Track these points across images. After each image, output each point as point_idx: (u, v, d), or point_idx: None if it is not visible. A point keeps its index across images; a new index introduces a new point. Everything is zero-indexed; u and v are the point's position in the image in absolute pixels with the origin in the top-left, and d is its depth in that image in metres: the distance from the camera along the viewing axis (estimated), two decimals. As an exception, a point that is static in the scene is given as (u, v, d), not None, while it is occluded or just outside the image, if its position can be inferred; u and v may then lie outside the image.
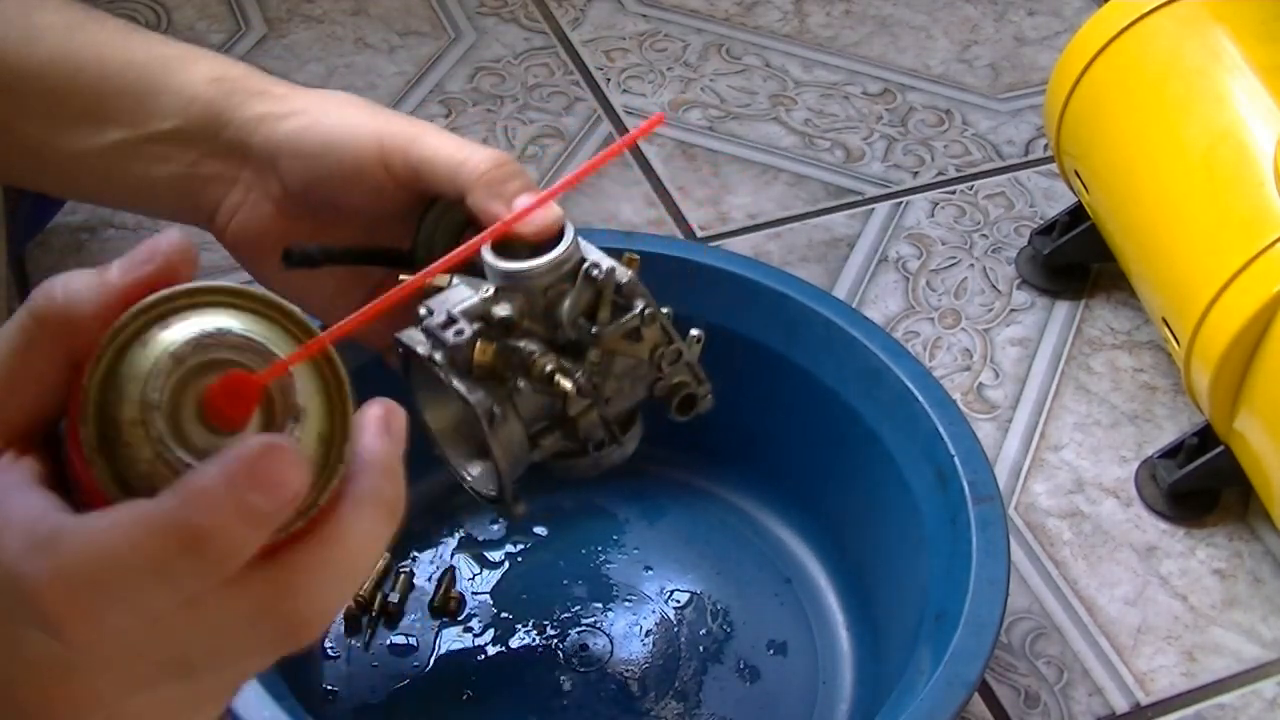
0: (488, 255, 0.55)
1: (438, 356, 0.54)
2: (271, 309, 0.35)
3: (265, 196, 0.61)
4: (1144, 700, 0.78)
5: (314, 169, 0.59)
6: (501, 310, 0.54)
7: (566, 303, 0.55)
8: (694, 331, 0.59)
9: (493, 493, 0.59)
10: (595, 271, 0.55)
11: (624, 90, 1.12)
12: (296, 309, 0.35)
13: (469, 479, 0.59)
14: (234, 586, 0.33)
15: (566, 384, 0.54)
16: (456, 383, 0.54)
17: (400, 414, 0.37)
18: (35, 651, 0.33)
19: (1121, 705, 0.78)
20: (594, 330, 0.55)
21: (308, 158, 0.59)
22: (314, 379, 0.34)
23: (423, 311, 0.55)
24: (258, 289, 0.35)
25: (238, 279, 0.40)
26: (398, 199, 0.59)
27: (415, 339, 0.55)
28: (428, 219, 0.60)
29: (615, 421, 0.58)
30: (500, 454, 0.55)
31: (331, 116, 0.60)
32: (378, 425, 0.36)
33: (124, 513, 0.32)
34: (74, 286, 0.34)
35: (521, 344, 0.54)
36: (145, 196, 0.63)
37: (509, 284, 0.55)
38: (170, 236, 0.35)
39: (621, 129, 1.09)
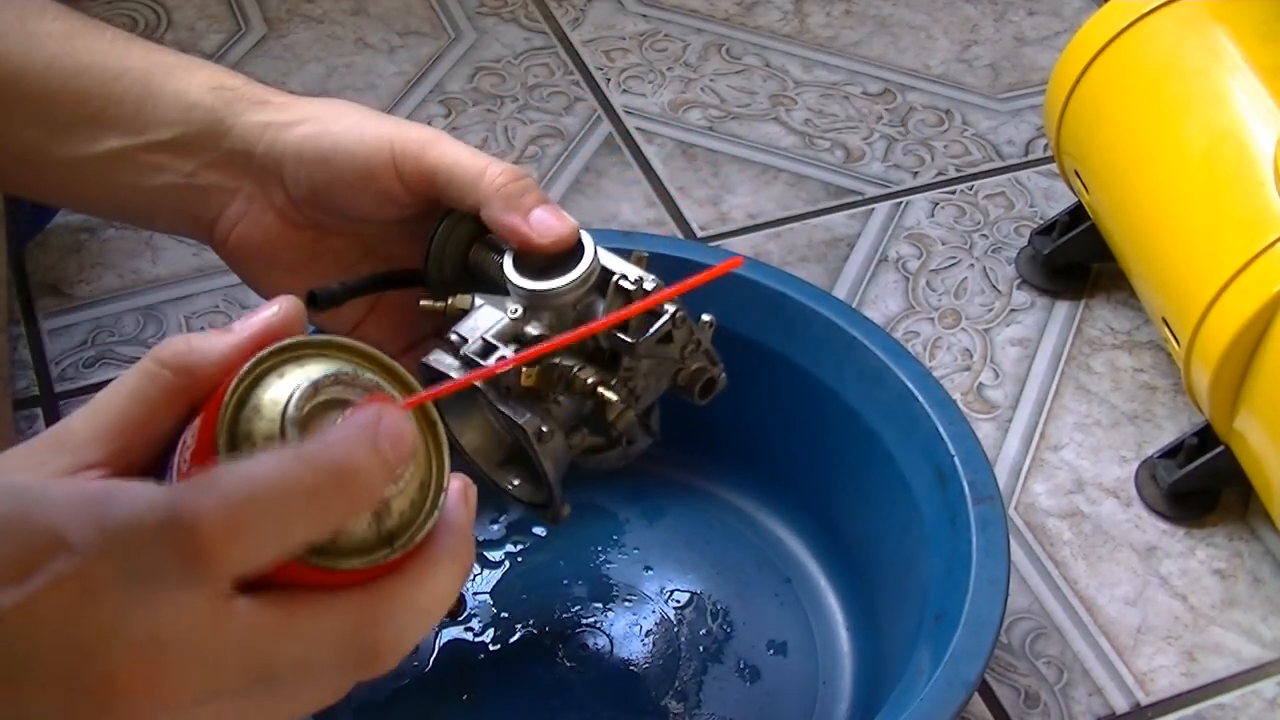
0: (513, 275, 0.56)
1: (480, 384, 0.55)
2: (377, 362, 0.39)
3: (267, 207, 0.61)
4: (1144, 700, 0.78)
5: (322, 173, 0.59)
6: (534, 329, 0.55)
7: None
8: (705, 317, 0.60)
9: (539, 499, 0.60)
10: (625, 284, 0.56)
11: (624, 90, 1.13)
12: (399, 366, 0.39)
13: (511, 489, 0.61)
14: (331, 604, 0.36)
15: (611, 396, 0.55)
16: (504, 409, 0.55)
17: (474, 489, 0.41)
18: (142, 627, 0.34)
19: (1121, 705, 0.78)
20: (629, 340, 0.56)
21: (316, 163, 0.59)
22: (419, 429, 0.38)
23: (454, 338, 0.55)
24: (365, 345, 0.38)
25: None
26: (405, 206, 0.59)
27: (447, 364, 0.55)
28: (439, 232, 0.60)
29: (643, 415, 0.60)
30: (550, 467, 0.56)
31: (341, 122, 0.59)
32: (459, 495, 0.39)
33: (275, 453, 0.35)
34: (198, 340, 0.38)
35: (557, 360, 0.55)
36: (143, 206, 0.62)
37: (538, 302, 0.55)
38: (283, 299, 0.40)
39: (621, 129, 1.09)
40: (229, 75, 0.62)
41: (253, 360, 0.37)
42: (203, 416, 0.37)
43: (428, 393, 0.38)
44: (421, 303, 0.59)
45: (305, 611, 0.36)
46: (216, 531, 0.33)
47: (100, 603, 0.33)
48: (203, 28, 1.15)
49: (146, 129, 0.60)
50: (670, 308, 0.57)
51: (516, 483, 0.61)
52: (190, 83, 0.61)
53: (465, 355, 0.55)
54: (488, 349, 0.55)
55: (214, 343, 0.38)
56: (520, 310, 0.55)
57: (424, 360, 0.56)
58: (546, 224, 0.56)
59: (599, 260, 0.56)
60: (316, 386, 0.37)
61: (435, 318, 0.59)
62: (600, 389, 0.55)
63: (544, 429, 0.55)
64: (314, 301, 0.58)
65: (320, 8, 1.18)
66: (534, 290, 0.55)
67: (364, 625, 0.37)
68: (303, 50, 1.14)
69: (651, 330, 0.56)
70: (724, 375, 0.61)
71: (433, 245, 0.60)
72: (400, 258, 0.62)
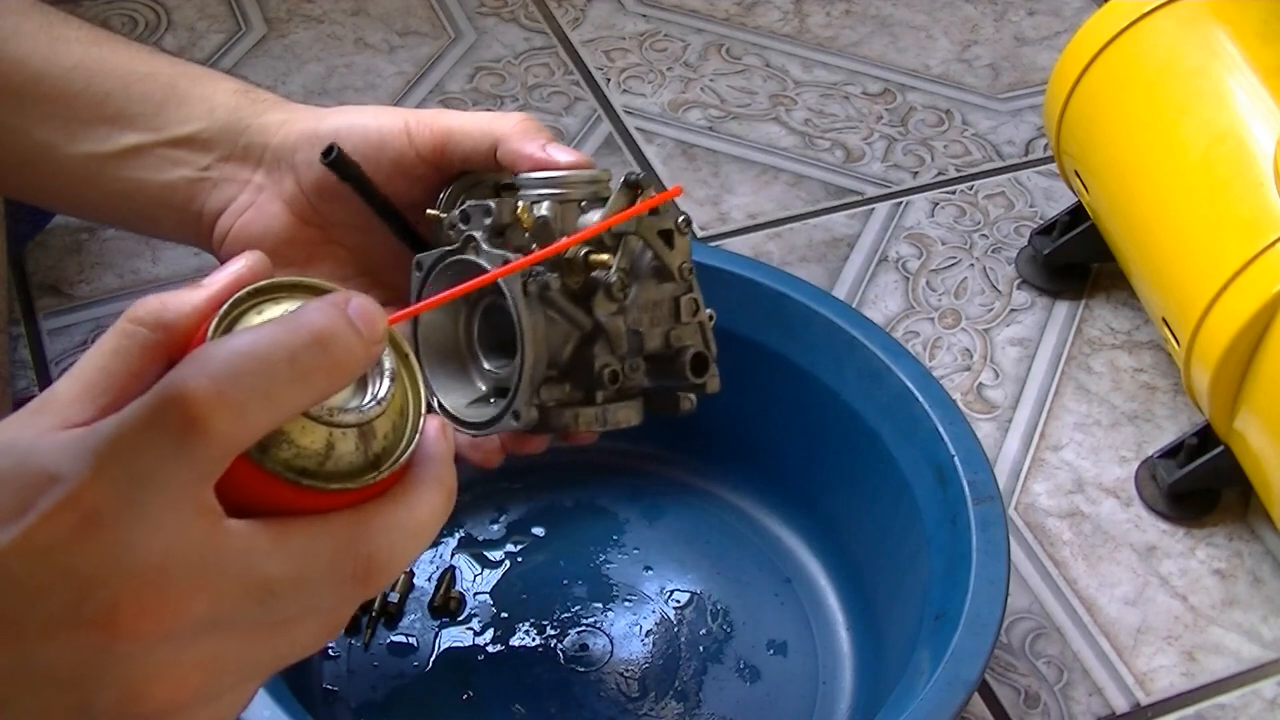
0: (527, 174, 0.57)
1: (478, 234, 0.56)
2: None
3: (276, 196, 0.61)
4: (1144, 700, 0.78)
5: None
6: (542, 210, 0.56)
7: (608, 205, 0.56)
8: (707, 310, 0.60)
9: (488, 415, 0.57)
10: (633, 177, 0.56)
11: (624, 90, 1.13)
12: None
13: (463, 406, 0.58)
14: (323, 523, 0.37)
15: (603, 255, 0.55)
16: (489, 249, 0.55)
17: (449, 427, 0.42)
18: (142, 553, 0.34)
19: (1121, 705, 0.78)
20: (634, 230, 0.57)
21: (329, 135, 0.59)
22: (394, 357, 0.39)
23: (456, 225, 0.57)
24: (336, 285, 0.39)
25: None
26: (417, 179, 0.59)
27: (442, 241, 0.57)
28: (453, 189, 0.60)
29: (636, 360, 0.58)
30: (529, 330, 0.54)
31: (355, 110, 0.61)
32: (438, 429, 0.40)
33: (253, 328, 0.36)
34: (170, 297, 0.38)
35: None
36: (149, 205, 0.62)
37: (547, 193, 0.57)
38: (250, 253, 0.41)
39: (621, 129, 1.09)
40: (254, 87, 0.63)
41: (230, 301, 0.38)
42: (199, 335, 0.38)
43: (409, 310, 0.41)
44: (428, 211, 0.59)
45: (298, 531, 0.37)
46: (206, 397, 0.34)
47: (98, 529, 0.34)
48: (203, 28, 1.15)
49: (167, 126, 0.61)
50: (676, 214, 0.58)
51: (467, 400, 0.58)
52: (216, 88, 0.62)
53: (465, 212, 0.56)
54: (486, 211, 0.56)
55: (187, 297, 0.39)
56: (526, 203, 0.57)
57: (417, 257, 0.58)
58: (563, 150, 0.58)
59: (608, 174, 0.58)
60: None
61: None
62: (593, 255, 0.55)
63: (530, 287, 0.55)
64: (329, 153, 0.57)
65: (320, 8, 1.18)
66: (546, 177, 0.56)
67: (356, 541, 0.37)
68: (303, 50, 1.14)
69: (658, 217, 0.58)
70: (718, 377, 0.60)
71: (445, 201, 0.60)
72: (394, 287, 0.62)
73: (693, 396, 0.60)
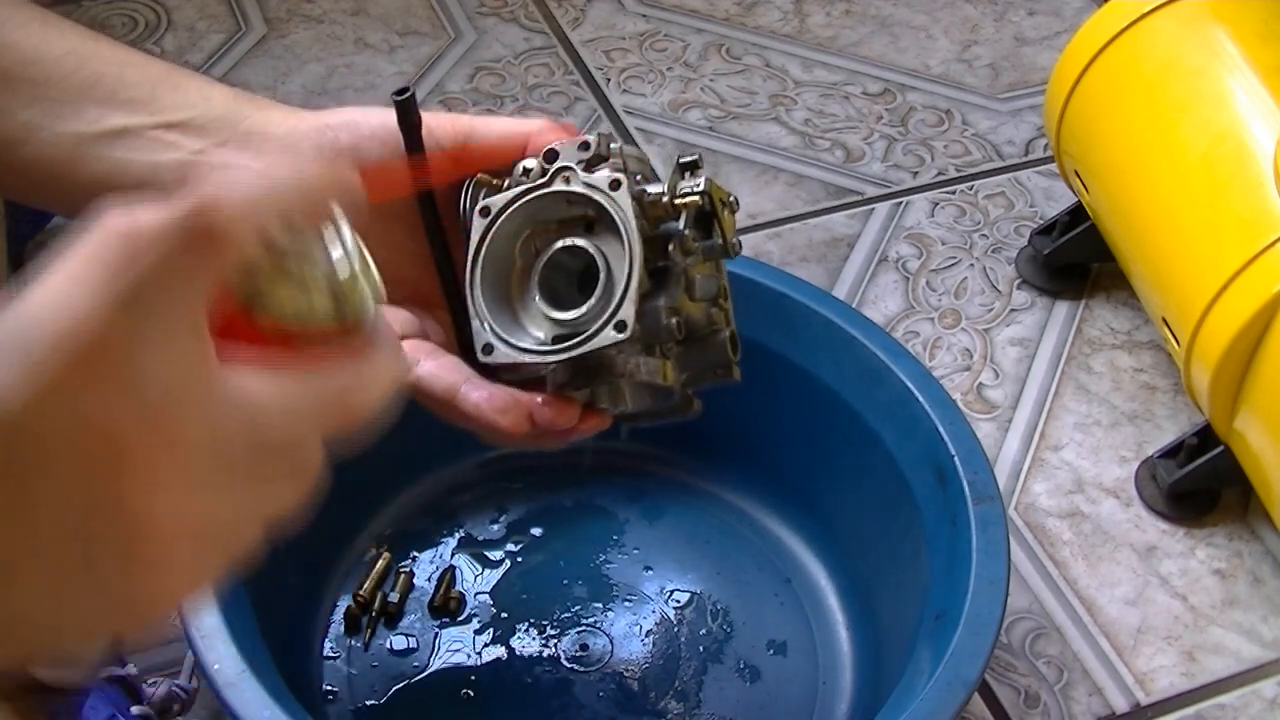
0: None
1: (574, 164, 0.56)
2: None
3: None
4: (1144, 700, 0.78)
5: (347, 134, 0.58)
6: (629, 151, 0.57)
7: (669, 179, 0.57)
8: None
9: (572, 339, 0.56)
10: (688, 159, 0.57)
11: (624, 90, 1.13)
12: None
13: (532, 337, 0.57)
14: (312, 372, 0.39)
15: (693, 198, 0.56)
16: (590, 175, 0.56)
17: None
18: (150, 387, 0.35)
19: (1121, 705, 0.78)
20: (706, 189, 0.57)
21: (342, 125, 0.59)
22: (357, 241, 0.42)
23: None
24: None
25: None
26: (435, 173, 0.59)
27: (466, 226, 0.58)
28: (474, 185, 0.59)
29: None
30: (636, 233, 0.55)
31: (369, 108, 0.61)
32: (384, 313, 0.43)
33: (271, 159, 0.39)
34: (140, 211, 0.39)
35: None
36: (133, 187, 0.61)
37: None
38: None
39: (622, 129, 1.09)
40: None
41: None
42: None
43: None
44: (480, 175, 0.58)
45: (290, 376, 0.39)
46: (216, 203, 0.36)
47: (107, 365, 0.34)
48: (203, 28, 1.15)
49: (161, 111, 0.60)
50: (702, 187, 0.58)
51: (557, 315, 0.57)
52: (212, 85, 0.61)
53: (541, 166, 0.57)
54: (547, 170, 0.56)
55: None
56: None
57: (485, 201, 0.57)
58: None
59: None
60: None
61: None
62: (679, 200, 0.56)
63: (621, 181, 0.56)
64: (401, 93, 0.58)
65: (320, 8, 1.18)
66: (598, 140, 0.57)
67: (338, 391, 0.40)
68: (303, 50, 1.14)
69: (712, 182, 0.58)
70: (738, 368, 0.61)
71: (462, 203, 0.59)
72: (395, 283, 0.61)
73: (700, 402, 0.60)
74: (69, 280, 0.36)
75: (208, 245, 0.36)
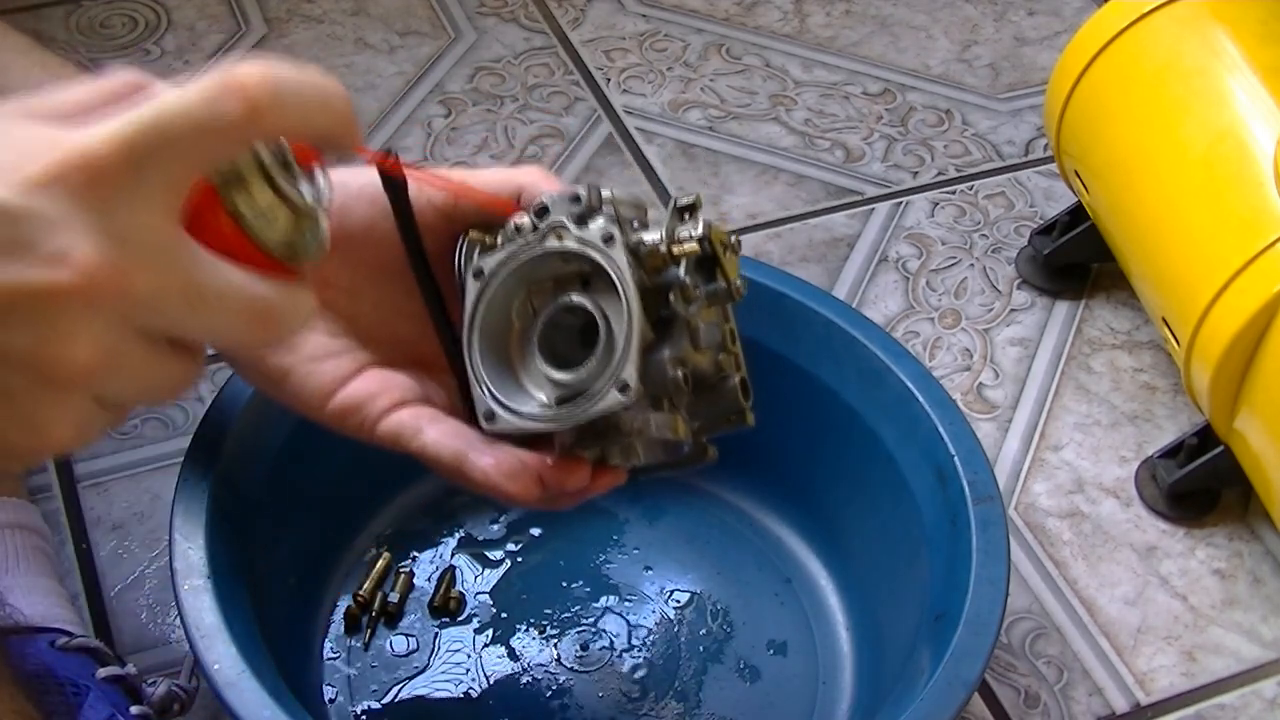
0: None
1: (567, 220, 0.55)
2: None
3: None
4: (1144, 700, 0.78)
5: (339, 193, 0.57)
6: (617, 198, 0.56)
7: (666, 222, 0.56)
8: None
9: (575, 405, 0.55)
10: (684, 201, 0.56)
11: (624, 90, 1.13)
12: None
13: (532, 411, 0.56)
14: (240, 275, 0.42)
15: (690, 245, 0.54)
16: (582, 231, 0.54)
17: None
18: (117, 228, 0.38)
19: (1121, 705, 0.78)
20: (705, 234, 0.55)
21: (336, 184, 0.58)
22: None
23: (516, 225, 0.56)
24: None
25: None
26: (426, 229, 0.57)
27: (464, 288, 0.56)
28: (469, 239, 0.58)
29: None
30: (634, 290, 0.53)
31: (351, 169, 0.59)
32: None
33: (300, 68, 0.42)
34: (157, 82, 0.43)
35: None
36: None
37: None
38: None
39: (621, 129, 1.09)
40: None
41: None
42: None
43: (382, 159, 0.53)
44: (471, 233, 0.57)
45: (234, 269, 0.41)
46: (262, 87, 0.39)
47: (94, 192, 0.38)
48: (203, 28, 1.16)
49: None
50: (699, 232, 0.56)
51: (557, 376, 0.56)
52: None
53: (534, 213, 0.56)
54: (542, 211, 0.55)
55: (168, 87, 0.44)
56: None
57: (479, 263, 0.56)
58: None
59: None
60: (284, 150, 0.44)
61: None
62: (676, 247, 0.55)
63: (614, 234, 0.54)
64: (385, 155, 0.57)
65: (320, 8, 1.19)
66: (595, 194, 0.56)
67: (270, 299, 0.42)
68: (303, 50, 1.14)
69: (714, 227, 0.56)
70: (751, 413, 0.60)
71: (457, 259, 0.58)
72: (385, 346, 0.60)
73: (715, 449, 0.59)
74: (100, 99, 0.40)
75: (232, 125, 0.39)
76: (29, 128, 0.39)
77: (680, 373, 0.55)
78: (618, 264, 0.53)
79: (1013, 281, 1.00)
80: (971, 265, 1.01)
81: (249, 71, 0.39)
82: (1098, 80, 0.90)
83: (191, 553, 0.63)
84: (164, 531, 0.69)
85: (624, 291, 0.53)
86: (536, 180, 0.57)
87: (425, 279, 0.58)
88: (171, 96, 0.39)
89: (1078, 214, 0.96)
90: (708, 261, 0.56)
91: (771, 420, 0.79)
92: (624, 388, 0.53)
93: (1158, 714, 0.78)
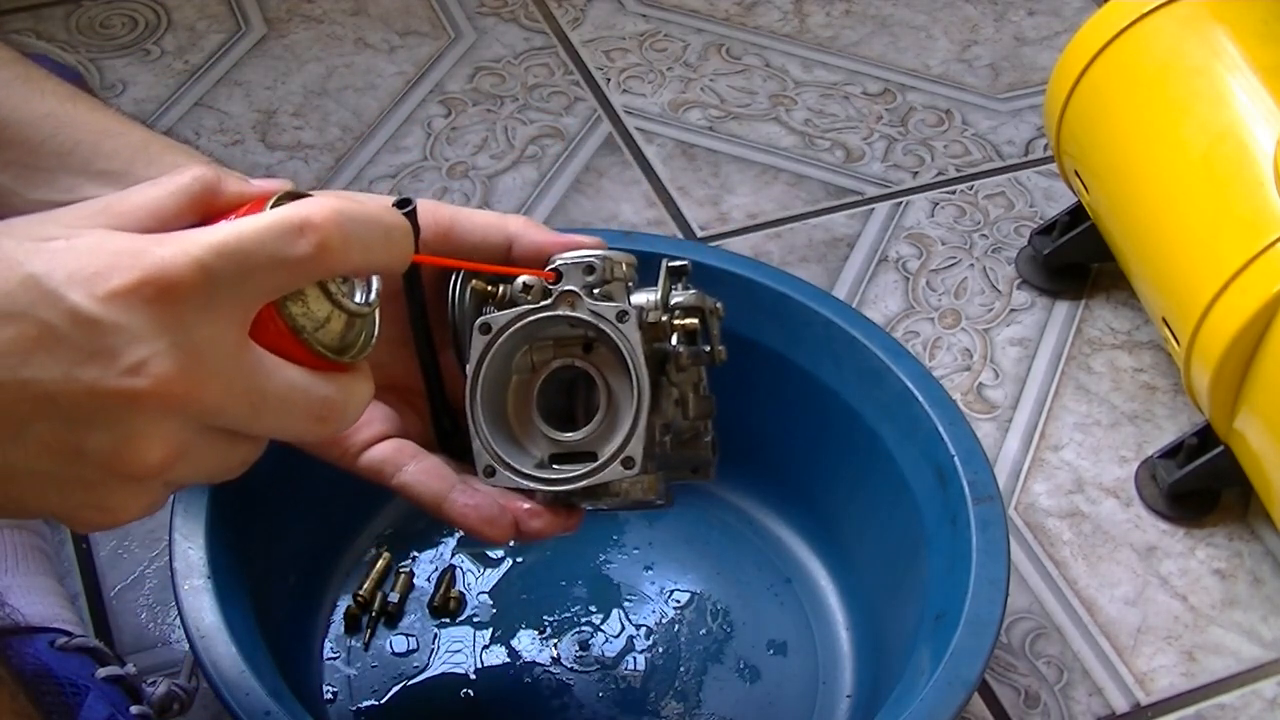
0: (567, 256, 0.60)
1: (578, 288, 0.57)
2: None
3: None
4: (1144, 700, 0.78)
5: None
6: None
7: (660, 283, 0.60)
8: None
9: (574, 471, 0.57)
10: (674, 263, 0.61)
11: (624, 90, 1.13)
12: None
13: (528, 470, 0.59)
14: (308, 371, 0.46)
15: (691, 320, 0.59)
16: (594, 301, 0.57)
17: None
18: (189, 342, 0.42)
19: (1121, 705, 0.78)
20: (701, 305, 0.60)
21: None
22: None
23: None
24: None
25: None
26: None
27: (462, 332, 0.59)
28: (454, 287, 0.60)
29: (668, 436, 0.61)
30: (645, 372, 0.56)
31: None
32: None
33: (363, 201, 0.47)
34: (225, 173, 0.49)
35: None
36: None
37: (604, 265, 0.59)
38: (278, 180, 0.50)
39: (621, 129, 1.09)
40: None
41: (277, 196, 0.48)
42: (248, 208, 0.47)
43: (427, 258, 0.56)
44: (474, 282, 0.59)
45: (293, 368, 0.46)
46: (330, 225, 0.44)
47: (171, 308, 0.42)
48: (203, 28, 1.16)
49: (135, 182, 0.59)
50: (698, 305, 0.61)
51: (554, 435, 0.58)
52: (193, 156, 0.60)
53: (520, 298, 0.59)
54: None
55: (238, 183, 0.49)
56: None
57: (484, 319, 0.59)
58: (579, 237, 0.60)
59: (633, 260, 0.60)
60: None
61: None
62: (678, 321, 0.59)
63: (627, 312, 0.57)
64: (403, 205, 0.58)
65: (320, 8, 1.18)
66: (593, 255, 0.58)
67: (329, 392, 0.46)
68: (303, 50, 1.14)
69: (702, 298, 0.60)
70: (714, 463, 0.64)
71: (451, 295, 0.60)
72: (384, 386, 0.61)
73: (673, 494, 0.63)
74: (176, 205, 0.46)
75: (300, 262, 0.43)
76: (112, 239, 0.42)
77: (666, 438, 0.59)
78: (631, 343, 0.57)
79: (1013, 281, 1.00)
80: (971, 265, 1.01)
81: (321, 210, 0.43)
82: (1098, 80, 0.90)
83: (191, 553, 0.63)
84: (164, 531, 0.69)
85: (635, 370, 0.57)
86: (524, 229, 0.60)
87: (417, 307, 0.60)
88: (247, 225, 0.43)
89: (1078, 214, 0.96)
90: (699, 328, 0.60)
91: (772, 420, 0.79)
92: (629, 463, 0.57)
93: (1158, 714, 0.78)
